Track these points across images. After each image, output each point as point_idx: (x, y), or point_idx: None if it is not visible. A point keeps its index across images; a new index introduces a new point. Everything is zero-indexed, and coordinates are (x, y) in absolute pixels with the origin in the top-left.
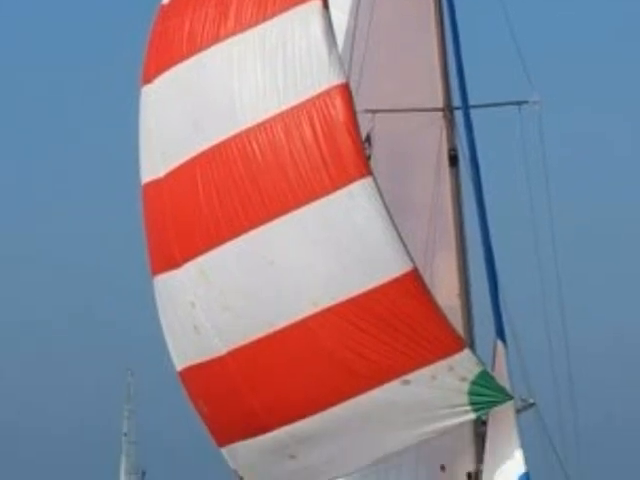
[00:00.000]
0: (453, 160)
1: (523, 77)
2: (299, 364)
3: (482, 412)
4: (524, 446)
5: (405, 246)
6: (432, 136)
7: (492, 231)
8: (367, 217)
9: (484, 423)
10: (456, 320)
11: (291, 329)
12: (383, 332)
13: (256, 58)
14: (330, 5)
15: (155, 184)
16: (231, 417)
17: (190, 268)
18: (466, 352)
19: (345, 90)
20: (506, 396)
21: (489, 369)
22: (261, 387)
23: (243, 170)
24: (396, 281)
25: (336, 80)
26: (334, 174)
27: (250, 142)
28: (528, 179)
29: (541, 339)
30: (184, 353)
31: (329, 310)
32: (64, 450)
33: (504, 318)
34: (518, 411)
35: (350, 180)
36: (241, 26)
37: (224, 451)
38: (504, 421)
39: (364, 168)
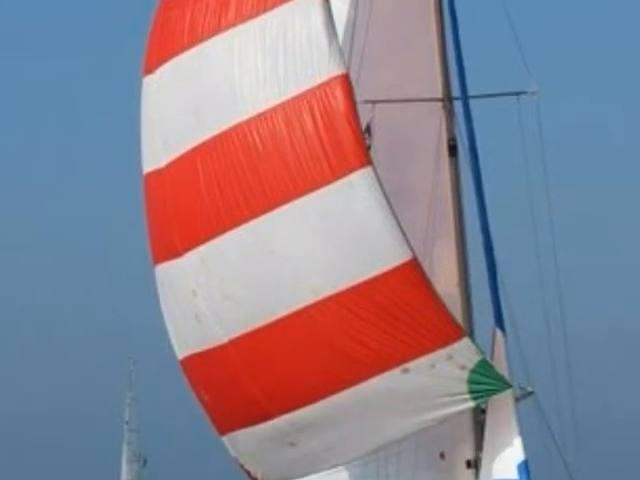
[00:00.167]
0: (452, 150)
1: (522, 67)
2: (300, 352)
3: (481, 400)
4: (523, 434)
5: (405, 235)
6: (431, 126)
7: (491, 220)
8: (367, 206)
9: (483, 411)
10: (455, 309)
11: (292, 317)
12: (383, 320)
13: (257, 49)
14: None
15: (157, 174)
16: (232, 405)
17: (191, 257)
18: (465, 341)
19: (345, 80)
20: (505, 384)
21: (488, 358)
22: (262, 375)
23: (244, 160)
24: (396, 270)
25: (336, 70)
26: (334, 164)
27: (251, 132)
28: (526, 168)
29: (540, 327)
30: (185, 341)
31: (329, 299)
32: (66, 437)
33: (503, 307)
34: (517, 399)
35: (350, 170)
36: (242, 17)
37: (225, 439)
38: (503, 409)
39: (364, 158)
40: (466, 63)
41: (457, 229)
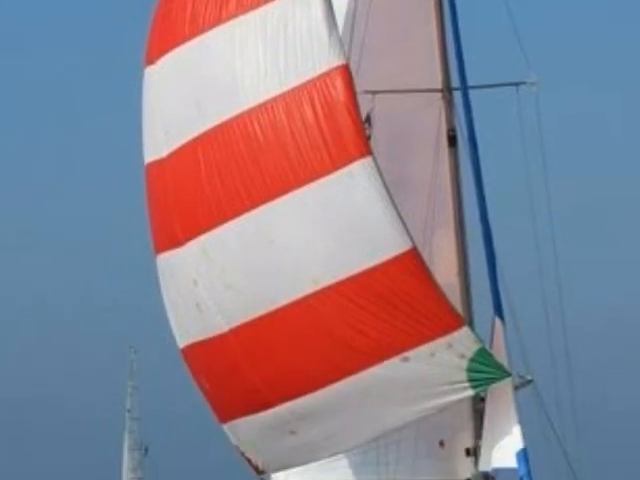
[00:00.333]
0: (452, 140)
1: (521, 58)
2: (300, 341)
3: (480, 389)
4: (522, 422)
5: (405, 225)
6: (431, 116)
7: (490, 210)
8: (367, 196)
9: (483, 400)
10: (455, 298)
11: (292, 307)
12: (383, 310)
13: (257, 40)
14: None
15: (158, 164)
16: (233, 394)
17: (192, 247)
18: (465, 329)
19: (345, 71)
20: (504, 373)
21: (487, 346)
22: (262, 364)
23: (245, 150)
24: (396, 259)
25: (336, 61)
26: (334, 154)
27: (252, 122)
28: (526, 159)
29: (539, 316)
30: (186, 330)
31: (329, 288)
32: (67, 426)
33: (502, 296)
34: (516, 388)
35: (350, 160)
36: (243, 8)
37: (226, 427)
38: (502, 398)
39: (364, 148)
40: (465, 54)
41: (456, 219)
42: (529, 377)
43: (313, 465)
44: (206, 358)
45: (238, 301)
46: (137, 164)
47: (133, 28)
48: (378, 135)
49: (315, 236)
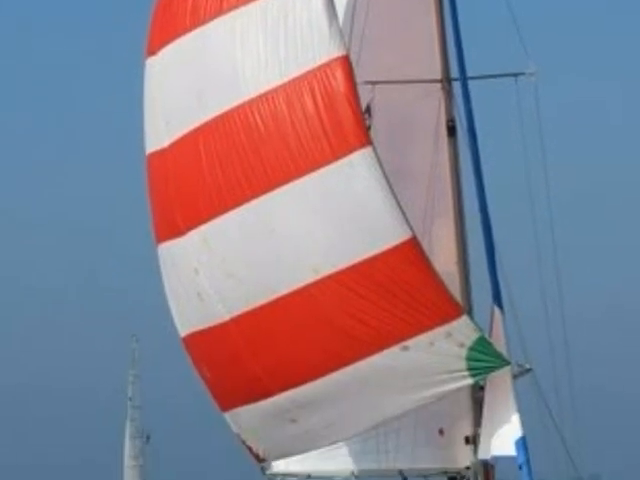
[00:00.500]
0: (451, 130)
1: (520, 49)
2: (300, 330)
3: (480, 377)
4: (521, 411)
5: (404, 214)
6: (431, 107)
7: (489, 199)
8: (367, 186)
9: (482, 388)
10: (454, 287)
11: (292, 296)
12: (382, 299)
13: (258, 31)
14: None
15: (159, 154)
16: (234, 382)
17: (193, 236)
18: (464, 318)
19: (345, 62)
20: (503, 361)
21: (486, 335)
22: (263, 352)
23: (245, 140)
24: (395, 249)
25: (336, 52)
26: (335, 144)
27: (252, 113)
28: (524, 148)
29: (537, 305)
30: (188, 319)
31: (329, 277)
32: (69, 414)
33: (501, 284)
34: (515, 376)
35: (350, 150)
36: None
37: (227, 416)
38: (501, 386)
39: (364, 138)
40: (465, 45)
41: (456, 208)
42: (528, 366)
43: (313, 453)
44: (207, 347)
45: (239, 290)
46: (140, 147)
47: (135, 18)
48: (378, 125)
49: (315, 225)
